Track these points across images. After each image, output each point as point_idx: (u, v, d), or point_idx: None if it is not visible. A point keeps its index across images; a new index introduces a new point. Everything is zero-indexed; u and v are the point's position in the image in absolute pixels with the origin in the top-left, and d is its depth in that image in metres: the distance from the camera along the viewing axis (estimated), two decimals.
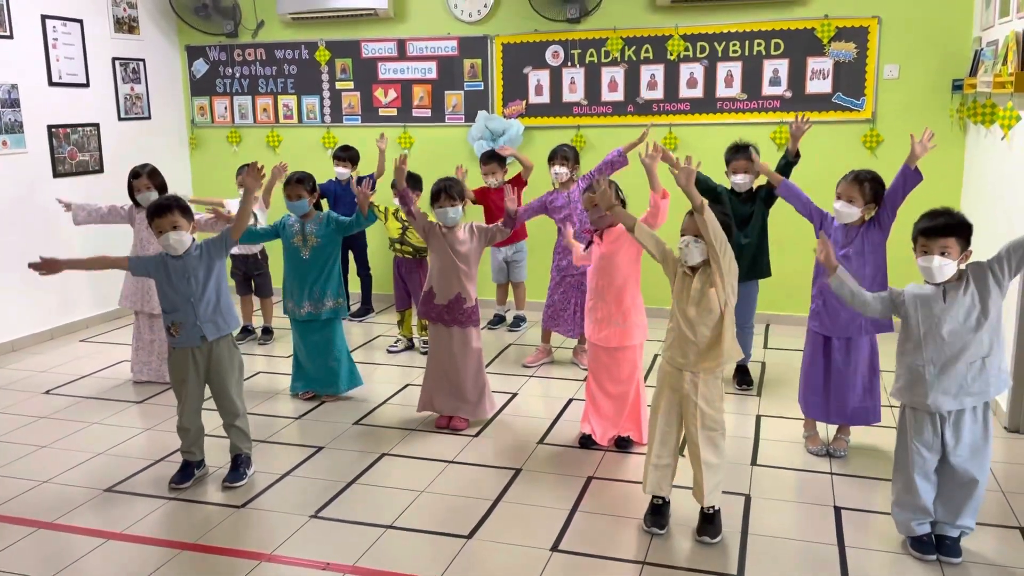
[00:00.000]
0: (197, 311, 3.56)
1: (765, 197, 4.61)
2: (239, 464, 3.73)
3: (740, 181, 4.59)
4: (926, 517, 3.04)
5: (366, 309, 6.61)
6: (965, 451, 2.95)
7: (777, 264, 5.81)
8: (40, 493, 3.63)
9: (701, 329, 3.07)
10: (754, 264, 4.72)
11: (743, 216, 4.62)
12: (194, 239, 3.63)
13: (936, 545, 3.02)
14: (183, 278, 3.57)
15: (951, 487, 2.99)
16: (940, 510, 3.03)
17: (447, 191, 4.13)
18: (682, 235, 3.11)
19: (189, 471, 3.71)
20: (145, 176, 4.84)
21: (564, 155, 5.15)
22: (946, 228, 2.83)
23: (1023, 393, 4.08)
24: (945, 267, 2.83)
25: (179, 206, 3.56)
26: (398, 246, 5.51)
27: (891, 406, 4.45)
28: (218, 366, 3.65)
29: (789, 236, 5.64)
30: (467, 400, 4.26)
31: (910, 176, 3.61)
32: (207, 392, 3.72)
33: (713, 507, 3.18)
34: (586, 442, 4.01)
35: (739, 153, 4.58)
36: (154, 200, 3.66)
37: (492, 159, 5.84)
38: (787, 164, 4.49)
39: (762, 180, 4.58)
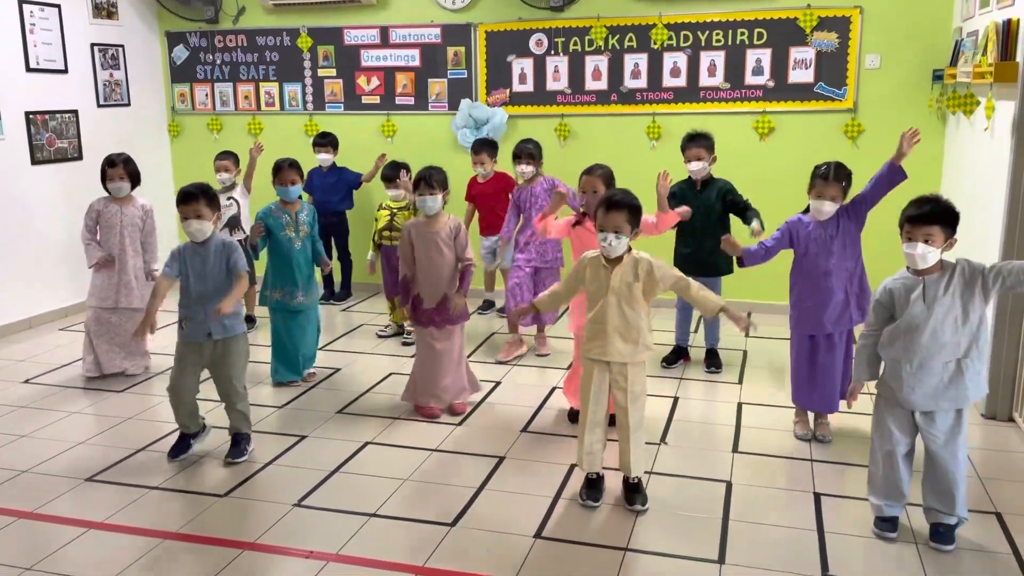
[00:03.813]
0: (206, 310, 3.64)
1: (724, 190, 4.74)
2: (239, 441, 3.82)
3: (695, 168, 4.72)
4: (898, 501, 3.09)
5: (346, 293, 6.68)
6: (941, 436, 2.98)
7: None
8: (20, 483, 3.61)
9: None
10: (715, 259, 4.74)
11: (701, 205, 4.71)
12: (214, 233, 3.69)
13: (930, 533, 3.05)
14: (200, 277, 3.65)
15: (936, 476, 3.01)
16: (933, 499, 3.05)
17: (427, 180, 4.13)
18: (600, 230, 3.19)
19: (184, 443, 3.80)
20: (121, 166, 4.80)
21: (529, 153, 5.24)
22: (931, 216, 2.87)
23: (999, 380, 4.13)
24: (928, 255, 2.87)
25: (206, 195, 3.63)
26: (387, 233, 5.49)
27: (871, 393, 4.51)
28: (224, 359, 3.75)
29: (773, 224, 5.67)
30: (463, 386, 4.37)
31: (896, 173, 3.66)
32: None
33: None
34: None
35: (693, 141, 4.73)
36: (184, 187, 3.68)
37: (483, 148, 5.80)
38: (745, 210, 4.68)
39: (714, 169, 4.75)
